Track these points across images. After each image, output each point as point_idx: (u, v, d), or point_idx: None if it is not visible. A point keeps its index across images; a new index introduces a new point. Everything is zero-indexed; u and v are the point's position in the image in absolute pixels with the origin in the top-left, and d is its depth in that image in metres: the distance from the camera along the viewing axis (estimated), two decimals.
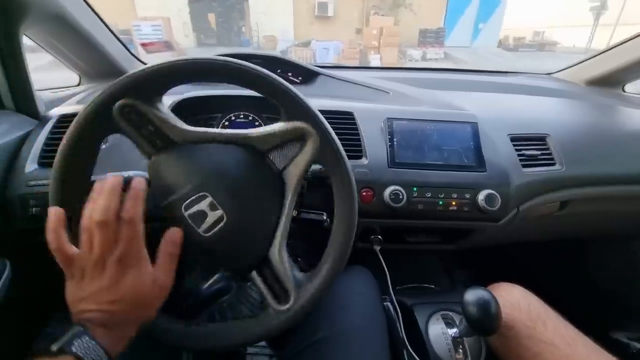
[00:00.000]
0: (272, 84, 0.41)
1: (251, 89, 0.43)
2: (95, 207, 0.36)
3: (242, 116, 0.80)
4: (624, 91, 1.05)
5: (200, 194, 0.41)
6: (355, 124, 0.71)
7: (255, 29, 12.45)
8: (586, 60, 1.07)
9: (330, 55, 9.52)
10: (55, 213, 0.36)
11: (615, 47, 0.96)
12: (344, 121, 0.71)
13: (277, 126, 0.44)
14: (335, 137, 0.43)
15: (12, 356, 0.61)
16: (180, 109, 0.71)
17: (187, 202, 0.41)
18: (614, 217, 0.84)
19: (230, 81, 0.42)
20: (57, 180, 0.40)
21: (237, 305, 1.25)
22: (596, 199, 0.77)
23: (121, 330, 0.37)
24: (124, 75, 0.39)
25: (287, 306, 0.44)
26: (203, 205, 0.41)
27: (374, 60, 9.69)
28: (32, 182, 0.60)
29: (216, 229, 0.41)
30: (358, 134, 0.70)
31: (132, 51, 0.97)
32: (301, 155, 0.44)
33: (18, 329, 0.61)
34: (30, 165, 0.62)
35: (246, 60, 0.41)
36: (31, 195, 0.59)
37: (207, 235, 0.41)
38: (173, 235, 0.40)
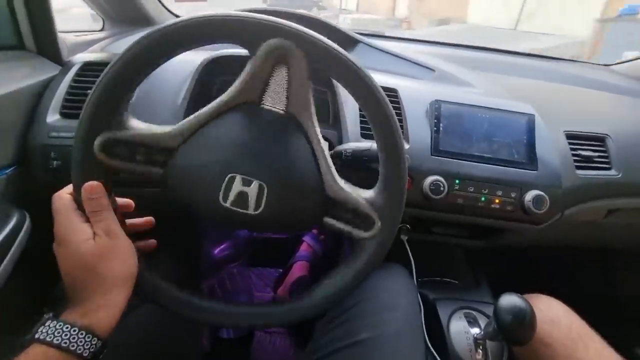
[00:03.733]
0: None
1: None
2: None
3: None
4: None
5: (228, 176, 0.37)
6: (398, 103, 0.65)
7: None
8: None
9: None
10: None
11: None
12: None
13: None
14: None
15: (24, 305, 0.61)
16: (213, 66, 0.66)
17: (221, 193, 0.37)
18: None
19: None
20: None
21: (245, 272, 1.25)
22: None
23: (92, 302, 0.34)
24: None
25: (375, 231, 0.42)
26: (237, 186, 0.37)
27: None
28: (54, 134, 0.56)
29: (264, 200, 0.38)
30: (401, 115, 0.64)
31: None
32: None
33: (33, 281, 0.61)
34: (52, 114, 0.58)
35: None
36: (52, 148, 0.56)
37: (259, 211, 0.38)
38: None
